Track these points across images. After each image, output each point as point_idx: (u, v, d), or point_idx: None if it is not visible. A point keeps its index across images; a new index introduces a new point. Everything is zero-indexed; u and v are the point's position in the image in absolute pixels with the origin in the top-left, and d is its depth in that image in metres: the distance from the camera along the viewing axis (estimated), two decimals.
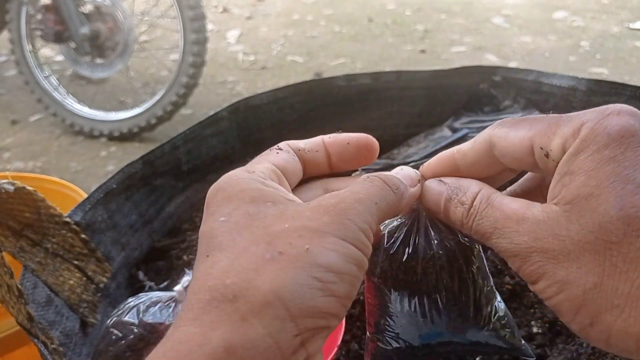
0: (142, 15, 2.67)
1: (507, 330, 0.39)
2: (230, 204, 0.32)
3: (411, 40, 3.51)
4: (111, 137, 2.41)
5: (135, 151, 2.36)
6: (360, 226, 0.31)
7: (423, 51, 3.32)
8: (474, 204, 0.35)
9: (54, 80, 2.51)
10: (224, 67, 3.15)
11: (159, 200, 0.79)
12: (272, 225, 0.31)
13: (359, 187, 0.34)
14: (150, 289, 0.72)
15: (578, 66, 3.08)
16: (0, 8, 2.45)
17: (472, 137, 0.86)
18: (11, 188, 0.51)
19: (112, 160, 2.29)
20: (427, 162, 0.40)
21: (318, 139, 0.39)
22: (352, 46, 3.45)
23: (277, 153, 0.37)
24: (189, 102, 2.38)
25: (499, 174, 0.38)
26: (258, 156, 0.37)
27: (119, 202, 0.72)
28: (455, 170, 0.38)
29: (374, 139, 0.39)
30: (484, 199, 0.35)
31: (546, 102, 0.87)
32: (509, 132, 0.34)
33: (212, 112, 0.82)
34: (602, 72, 3.00)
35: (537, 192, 0.38)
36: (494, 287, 0.40)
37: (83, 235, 0.63)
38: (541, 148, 0.32)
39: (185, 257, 0.73)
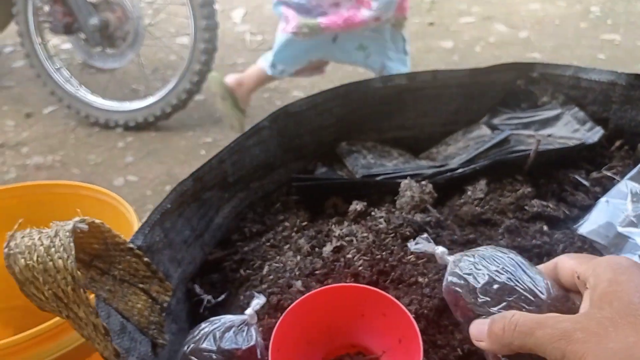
0: (150, 2, 2.64)
1: None
2: None
3: (418, 12, 3.46)
4: (127, 127, 2.41)
5: (152, 140, 2.36)
6: None
7: (431, 24, 3.29)
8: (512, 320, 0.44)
9: (65, 72, 2.50)
10: (232, 49, 3.13)
11: (207, 212, 0.80)
12: None
13: None
14: (209, 302, 0.74)
15: (589, 33, 3.04)
16: (6, 1, 2.43)
17: (514, 137, 0.86)
18: (85, 227, 0.53)
19: (130, 151, 2.29)
20: None
21: None
22: None
23: None
24: (201, 87, 2.38)
25: None
26: None
27: (172, 219, 0.73)
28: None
29: None
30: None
31: (585, 97, 0.87)
32: (565, 261, 0.50)
33: None
34: (614, 38, 2.96)
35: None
36: None
37: (145, 259, 0.65)
38: (576, 272, 0.48)
39: (242, 272, 0.74)
